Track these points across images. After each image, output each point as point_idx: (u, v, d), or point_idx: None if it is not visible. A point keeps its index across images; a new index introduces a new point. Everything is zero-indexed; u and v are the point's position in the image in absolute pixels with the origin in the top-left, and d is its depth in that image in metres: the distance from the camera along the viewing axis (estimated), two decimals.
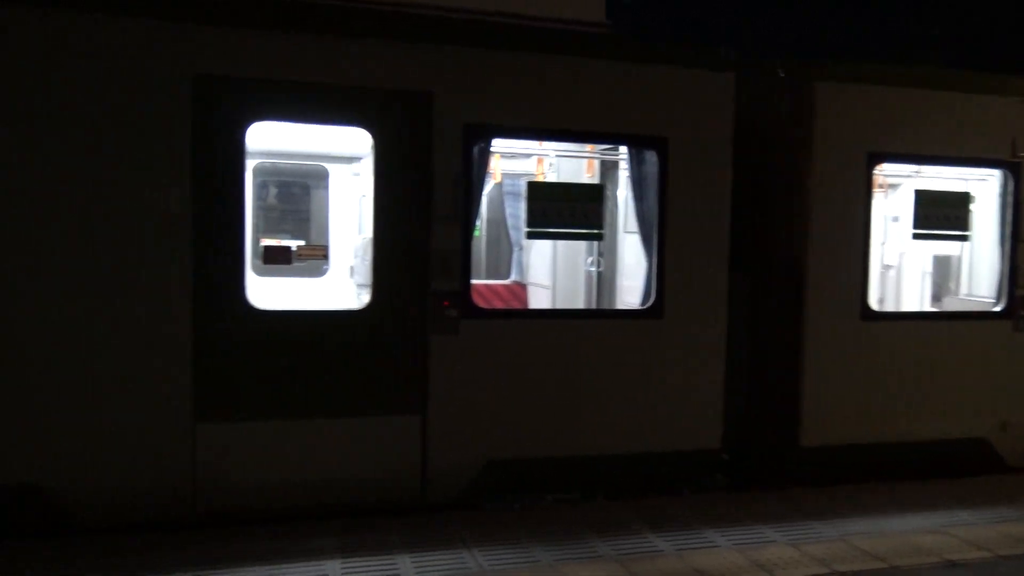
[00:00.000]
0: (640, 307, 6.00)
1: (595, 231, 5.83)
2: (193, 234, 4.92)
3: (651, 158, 5.86)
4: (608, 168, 7.62)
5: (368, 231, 8.27)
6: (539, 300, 8.60)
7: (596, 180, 7.36)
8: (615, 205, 7.32)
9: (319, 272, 8.52)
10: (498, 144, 6.09)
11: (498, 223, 8.89)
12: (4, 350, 4.70)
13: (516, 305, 8.74)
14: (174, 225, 4.89)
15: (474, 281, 5.67)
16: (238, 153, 5.01)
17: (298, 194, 10.23)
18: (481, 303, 5.62)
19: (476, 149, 5.47)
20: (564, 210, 5.61)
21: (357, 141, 7.78)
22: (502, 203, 8.70)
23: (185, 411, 4.97)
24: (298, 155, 8.34)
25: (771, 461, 6.46)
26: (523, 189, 8.70)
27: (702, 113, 5.85)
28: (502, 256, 9.08)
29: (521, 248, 8.89)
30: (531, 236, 5.82)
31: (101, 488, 4.89)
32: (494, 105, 5.46)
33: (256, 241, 7.65)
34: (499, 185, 8.26)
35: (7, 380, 4.71)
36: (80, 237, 4.78)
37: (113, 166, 4.81)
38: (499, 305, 8.27)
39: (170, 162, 4.87)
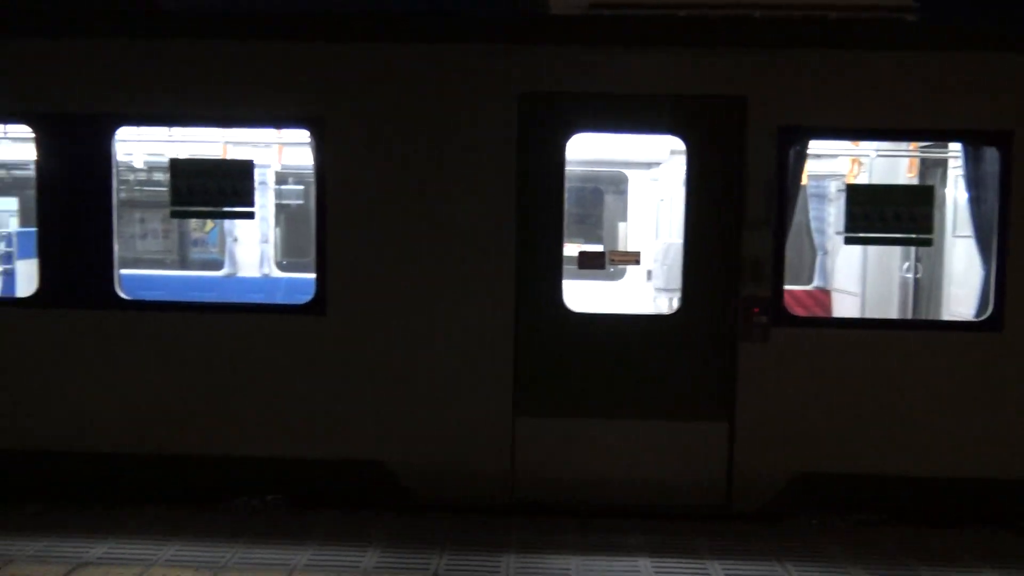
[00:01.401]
0: (974, 319, 5.47)
1: (924, 236, 5.40)
2: (517, 240, 5.29)
3: (991, 155, 5.32)
4: (930, 167, 7.04)
5: (667, 236, 8.39)
6: (845, 307, 8.15)
7: (917, 180, 6.82)
8: (942, 206, 6.72)
9: (617, 276, 8.75)
10: (811, 146, 5.85)
11: (800, 226, 8.56)
12: (371, 343, 5.36)
13: (819, 312, 8.35)
14: (501, 232, 5.29)
15: None
16: (559, 164, 5.30)
17: (596, 199, 10.57)
18: None
19: (791, 152, 5.32)
20: (888, 214, 5.27)
21: (657, 147, 7.91)
22: (805, 205, 8.36)
23: (506, 404, 5.36)
24: (598, 162, 8.63)
25: None
26: (829, 191, 8.33)
27: None
28: (804, 261, 8.73)
29: (825, 252, 8.48)
30: (850, 242, 5.52)
31: (433, 469, 5.42)
32: (810, 106, 5.27)
33: None
34: (803, 187, 7.94)
35: (368, 368, 5.37)
36: (424, 244, 5.33)
37: (455, 180, 5.30)
38: (800, 312, 7.95)
39: (499, 175, 5.28)
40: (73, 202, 5.39)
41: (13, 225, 15.68)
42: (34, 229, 5.55)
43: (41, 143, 5.41)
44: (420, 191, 5.32)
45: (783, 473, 5.36)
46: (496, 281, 5.31)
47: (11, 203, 16.50)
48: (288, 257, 9.62)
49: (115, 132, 5.38)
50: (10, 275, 8.63)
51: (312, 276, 5.44)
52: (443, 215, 5.32)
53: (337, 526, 5.12)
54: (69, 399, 5.45)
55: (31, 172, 10.82)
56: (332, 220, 5.32)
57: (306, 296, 5.51)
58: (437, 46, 5.33)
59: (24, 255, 8.43)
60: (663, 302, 7.90)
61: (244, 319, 5.46)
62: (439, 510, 5.41)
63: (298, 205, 11.28)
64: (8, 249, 8.73)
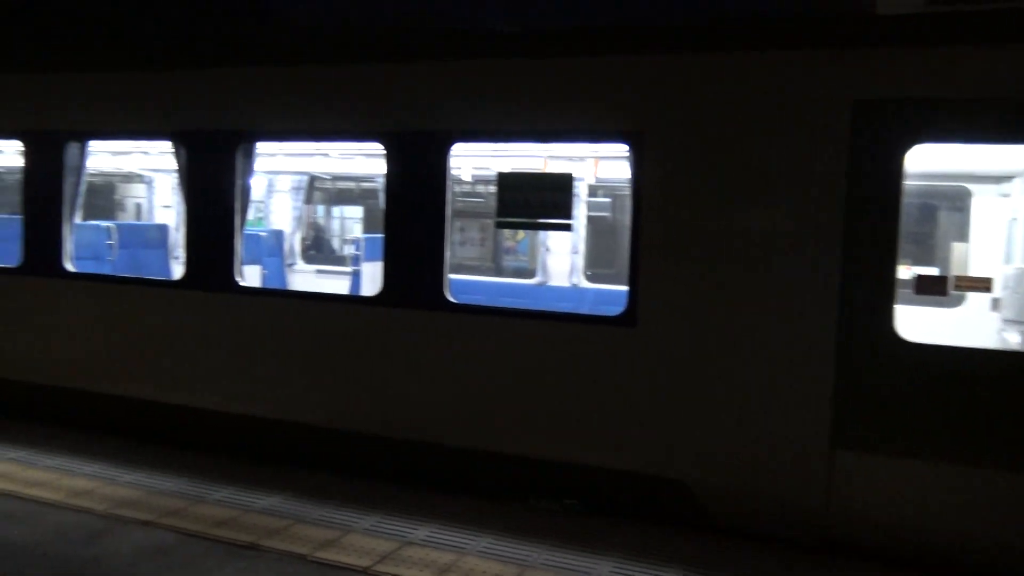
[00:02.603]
0: None
1: None
2: (843, 260, 4.92)
3: None
4: None
5: (1022, 260, 7.33)
6: None
7: None
8: None
9: (952, 303, 7.82)
10: None
11: None
12: (680, 359, 5.28)
13: None
14: (825, 250, 4.95)
15: None
16: (895, 178, 4.84)
17: (928, 216, 9.58)
18: None
19: None
20: None
21: (1010, 157, 6.94)
22: None
23: (823, 436, 4.99)
24: (933, 175, 7.77)
25: None
26: None
27: None
28: None
29: None
30: None
31: (739, 495, 5.20)
32: None
33: None
34: None
35: (676, 383, 5.29)
36: (741, 260, 5.14)
37: (777, 194, 5.06)
38: None
39: (827, 189, 4.94)
40: (413, 212, 5.93)
41: (358, 231, 17.85)
42: (375, 235, 6.16)
43: (389, 158, 6.03)
44: (739, 205, 5.14)
45: None
46: (817, 302, 4.97)
47: (358, 211, 18.82)
48: (595, 268, 9.83)
49: (451, 148, 5.84)
50: (356, 276, 9.74)
51: (618, 288, 5.48)
52: (762, 231, 5.09)
53: (637, 539, 5.10)
54: (397, 390, 6.00)
55: (373, 185, 12.20)
56: (647, 233, 5.32)
57: (613, 307, 5.56)
58: (760, 54, 5.13)
59: (369, 258, 9.48)
60: (1013, 336, 6.91)
61: (558, 327, 5.65)
62: (742, 538, 5.19)
63: (607, 218, 11.51)
64: (356, 252, 9.85)
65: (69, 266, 7.14)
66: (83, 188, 7.28)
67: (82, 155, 7.16)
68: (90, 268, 8.69)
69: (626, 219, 5.57)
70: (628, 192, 5.55)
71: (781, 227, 5.05)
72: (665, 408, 5.32)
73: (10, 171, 11.73)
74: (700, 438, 5.25)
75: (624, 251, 5.57)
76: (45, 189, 7.14)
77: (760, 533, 5.20)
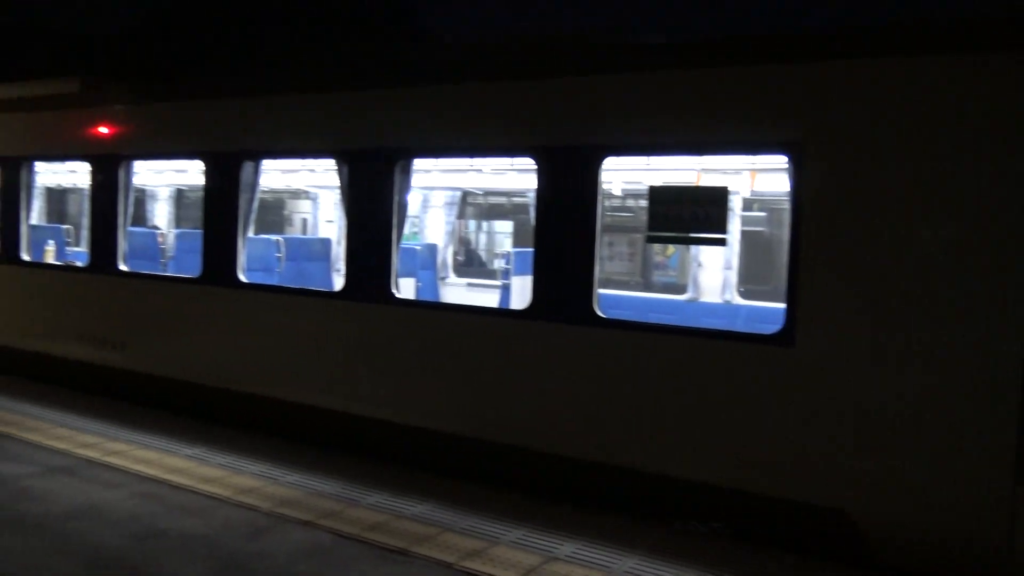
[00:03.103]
0: None
1: None
2: None
3: None
4: None
5: None
6: None
7: None
8: None
9: None
10: None
11: None
12: (842, 380, 4.98)
13: None
14: (1013, 264, 4.54)
15: None
16: None
17: None
18: None
19: None
20: None
21: None
22: None
23: (1005, 469, 4.56)
24: None
25: None
26: None
27: None
28: None
29: None
30: None
31: (907, 530, 4.84)
32: None
33: None
34: None
35: (838, 406, 4.98)
36: (908, 276, 4.82)
37: (949, 206, 4.72)
38: None
39: (1013, 197, 4.54)
40: (563, 226, 5.94)
41: (508, 245, 18.11)
42: (525, 249, 6.19)
43: (540, 173, 6.06)
44: (905, 219, 4.82)
45: None
46: (1002, 321, 4.56)
47: (508, 226, 19.10)
48: (749, 284, 9.48)
49: (602, 162, 5.80)
50: (506, 289, 9.88)
51: (775, 305, 5.24)
52: (936, 245, 4.73)
53: (789, 569, 4.85)
54: (544, 403, 5.99)
55: (524, 200, 12.32)
56: (807, 248, 5.07)
57: (769, 325, 5.32)
58: (934, 57, 4.78)
59: (518, 272, 9.58)
60: None
61: (710, 344, 5.48)
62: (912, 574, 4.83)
63: (762, 232, 11.08)
64: (506, 266, 9.98)
65: (242, 277, 7.63)
66: (256, 204, 7.78)
67: (256, 173, 7.65)
68: (260, 279, 9.25)
69: (783, 234, 5.33)
70: (787, 205, 5.32)
71: (953, 243, 4.68)
72: (826, 431, 5.03)
73: (193, 188, 12.73)
74: (865, 467, 4.93)
75: (781, 267, 5.34)
76: (222, 205, 7.68)
77: (930, 573, 4.81)
